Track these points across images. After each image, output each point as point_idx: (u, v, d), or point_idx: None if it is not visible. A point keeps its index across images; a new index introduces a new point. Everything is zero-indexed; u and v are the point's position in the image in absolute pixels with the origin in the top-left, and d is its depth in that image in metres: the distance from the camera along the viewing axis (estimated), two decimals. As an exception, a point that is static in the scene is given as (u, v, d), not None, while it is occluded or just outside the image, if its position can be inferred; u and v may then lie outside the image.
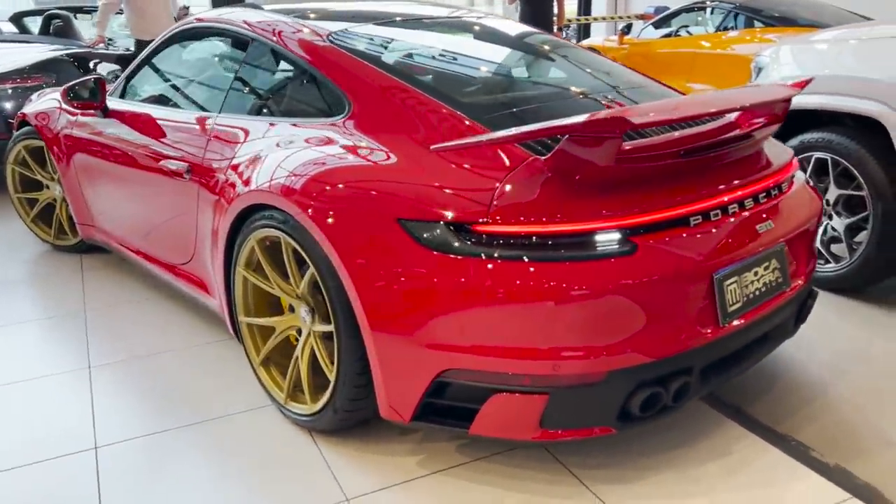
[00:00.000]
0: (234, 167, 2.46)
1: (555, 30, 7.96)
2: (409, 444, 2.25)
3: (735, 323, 1.99)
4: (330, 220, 2.01)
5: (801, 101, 3.22)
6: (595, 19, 12.48)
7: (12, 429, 2.43)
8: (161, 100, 3.32)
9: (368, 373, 2.04)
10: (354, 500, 2.03)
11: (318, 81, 2.46)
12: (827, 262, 3.27)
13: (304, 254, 2.11)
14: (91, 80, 3.28)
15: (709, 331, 1.94)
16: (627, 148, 1.85)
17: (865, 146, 3.02)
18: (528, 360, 1.83)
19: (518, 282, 1.79)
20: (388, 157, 2.08)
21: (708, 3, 7.86)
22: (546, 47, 3.01)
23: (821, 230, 3.28)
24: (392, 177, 2.02)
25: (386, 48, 2.72)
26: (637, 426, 2.02)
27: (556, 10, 8.06)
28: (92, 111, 3.36)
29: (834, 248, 3.28)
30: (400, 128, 2.15)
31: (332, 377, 2.15)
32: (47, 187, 4.01)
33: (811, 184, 2.47)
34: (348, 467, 2.16)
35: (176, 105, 3.25)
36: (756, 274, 2.06)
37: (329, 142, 2.23)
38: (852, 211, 3.17)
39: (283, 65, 2.70)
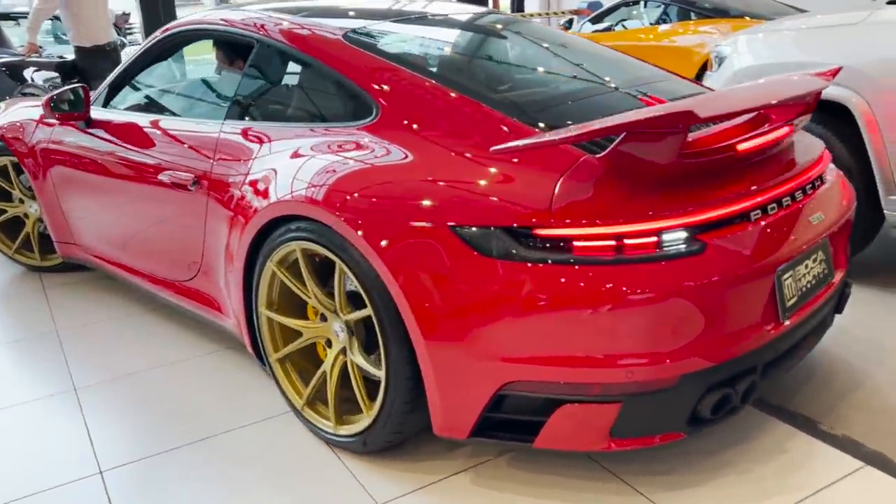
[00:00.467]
0: (252, 177, 2.33)
1: None
2: (434, 445, 2.22)
3: (793, 317, 1.96)
4: (372, 230, 1.90)
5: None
6: (531, 15, 12.63)
7: (7, 458, 2.30)
8: (154, 108, 3.18)
9: (418, 390, 1.94)
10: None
11: (338, 83, 2.34)
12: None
13: (345, 268, 1.99)
14: (76, 88, 3.05)
15: (771, 328, 1.90)
16: (690, 142, 1.79)
17: (833, 131, 3.16)
18: (600, 368, 1.75)
19: (586, 286, 1.71)
20: (429, 161, 1.98)
21: (643, -4, 8.09)
22: (567, 42, 2.92)
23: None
24: (437, 181, 1.92)
25: (405, 46, 2.63)
26: (705, 429, 2.00)
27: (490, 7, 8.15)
28: (74, 122, 3.13)
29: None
30: (437, 130, 2.05)
31: (381, 393, 2.02)
32: (21, 202, 3.73)
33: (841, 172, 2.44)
34: (372, 473, 2.12)
35: (173, 113, 3.10)
36: (807, 267, 2.02)
37: (359, 147, 2.12)
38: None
39: (297, 67, 2.56)
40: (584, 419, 1.82)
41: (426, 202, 1.88)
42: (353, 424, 2.16)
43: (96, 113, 3.13)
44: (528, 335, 1.77)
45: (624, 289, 1.70)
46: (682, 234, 1.75)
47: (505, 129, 1.97)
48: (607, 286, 1.70)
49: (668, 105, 1.89)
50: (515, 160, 1.87)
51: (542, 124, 1.99)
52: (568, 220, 1.74)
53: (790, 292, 1.94)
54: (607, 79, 2.52)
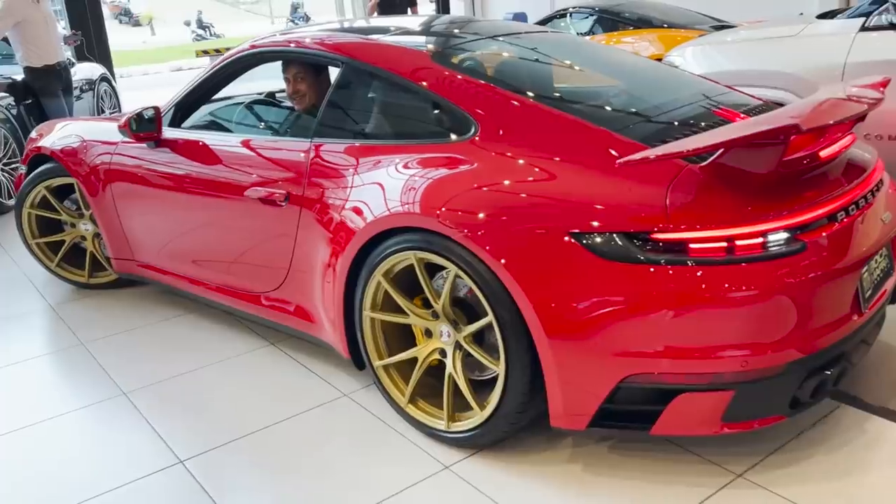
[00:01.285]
0: (353, 192, 2.47)
1: None
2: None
3: (871, 307, 2.17)
4: (495, 239, 2.06)
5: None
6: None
7: (83, 457, 2.46)
8: (232, 127, 3.32)
9: (536, 383, 2.10)
10: (454, 467, 2.28)
11: (434, 102, 2.49)
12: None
13: (465, 277, 2.13)
14: (149, 108, 3.15)
15: (856, 317, 2.10)
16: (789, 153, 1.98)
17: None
18: (714, 359, 1.93)
19: (702, 285, 1.88)
20: (540, 173, 2.15)
21: (570, 9, 8.60)
22: (623, 59, 3.17)
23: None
24: (552, 192, 2.10)
25: (492, 65, 2.81)
26: (803, 411, 2.18)
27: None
28: (143, 141, 3.22)
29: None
30: (541, 144, 2.23)
31: (498, 390, 2.17)
32: (72, 226, 3.80)
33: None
34: (433, 442, 2.39)
35: (257, 131, 3.25)
36: (876, 262, 2.21)
37: (462, 161, 2.28)
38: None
39: (386, 87, 2.69)
40: (700, 406, 2.00)
41: (546, 212, 2.06)
42: (466, 421, 2.30)
43: (168, 132, 3.23)
44: (648, 331, 1.94)
45: (735, 286, 1.89)
46: (785, 235, 1.94)
47: (612, 143, 2.15)
48: (721, 284, 1.89)
49: (772, 118, 2.08)
50: (626, 171, 2.05)
51: (639, 137, 2.18)
52: (683, 225, 1.93)
53: (867, 284, 2.15)
54: (681, 94, 2.70)
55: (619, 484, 2.15)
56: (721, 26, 7.15)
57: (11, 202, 5.58)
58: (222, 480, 2.28)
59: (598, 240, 1.98)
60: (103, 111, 7.63)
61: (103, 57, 9.19)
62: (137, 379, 2.92)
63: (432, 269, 2.32)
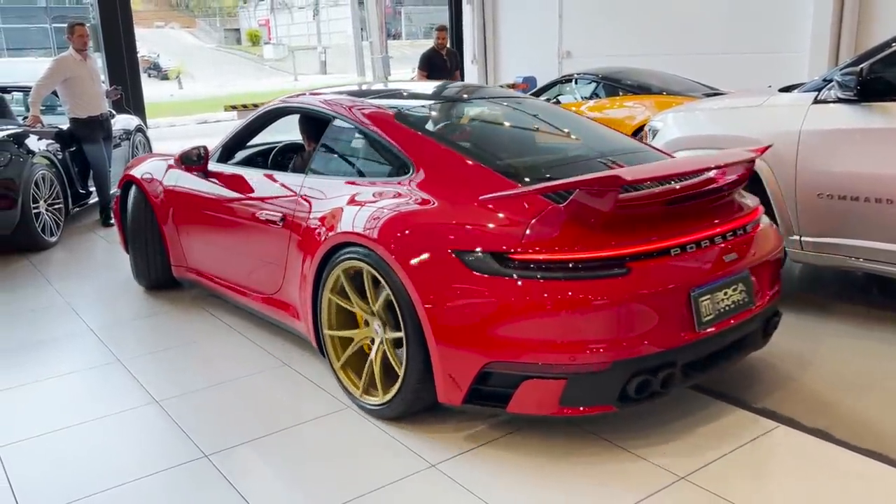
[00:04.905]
0: (321, 217, 3.20)
1: None
2: (473, 422, 2.91)
3: (709, 330, 2.66)
4: (403, 253, 2.72)
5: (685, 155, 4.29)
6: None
7: (108, 455, 2.84)
8: (257, 163, 4.27)
9: (429, 369, 2.69)
10: (440, 465, 2.66)
11: (387, 149, 3.23)
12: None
13: (381, 279, 2.80)
14: (199, 147, 4.14)
15: (687, 334, 2.61)
16: (623, 198, 2.56)
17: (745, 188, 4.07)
18: (552, 353, 2.50)
19: (546, 295, 2.48)
20: (444, 206, 2.83)
21: (576, 75, 9.19)
22: (563, 119, 3.85)
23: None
24: (446, 220, 2.78)
25: (437, 122, 3.60)
26: (633, 406, 2.66)
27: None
28: (197, 172, 4.16)
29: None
30: (452, 185, 2.92)
31: (401, 373, 2.80)
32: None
33: (774, 225, 3.23)
34: (422, 444, 2.78)
35: (272, 168, 4.13)
36: (726, 294, 2.73)
37: (398, 195, 2.97)
38: (737, 235, 4.21)
39: (358, 136, 3.48)
40: (541, 390, 2.56)
41: (439, 234, 2.72)
42: (373, 398, 2.97)
43: (213, 166, 4.15)
44: (504, 329, 2.53)
45: (568, 298, 2.46)
46: (615, 261, 2.52)
47: (498, 185, 2.81)
48: (562, 295, 2.46)
49: (604, 171, 2.75)
50: (504, 206, 2.69)
51: (527, 180, 2.85)
52: (536, 248, 2.54)
53: (706, 310, 2.66)
54: (587, 149, 3.45)
55: (576, 479, 2.54)
56: (713, 94, 7.67)
57: (54, 239, 6.09)
58: (251, 474, 2.67)
59: (471, 256, 2.59)
60: (137, 159, 8.22)
61: (138, 109, 9.87)
62: (170, 390, 3.34)
63: None
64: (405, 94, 4.02)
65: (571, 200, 2.58)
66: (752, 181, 4.02)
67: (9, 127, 6.21)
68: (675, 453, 2.67)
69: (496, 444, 2.77)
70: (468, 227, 2.69)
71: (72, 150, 6.61)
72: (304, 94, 4.00)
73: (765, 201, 3.99)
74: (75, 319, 4.33)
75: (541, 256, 2.52)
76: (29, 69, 12.45)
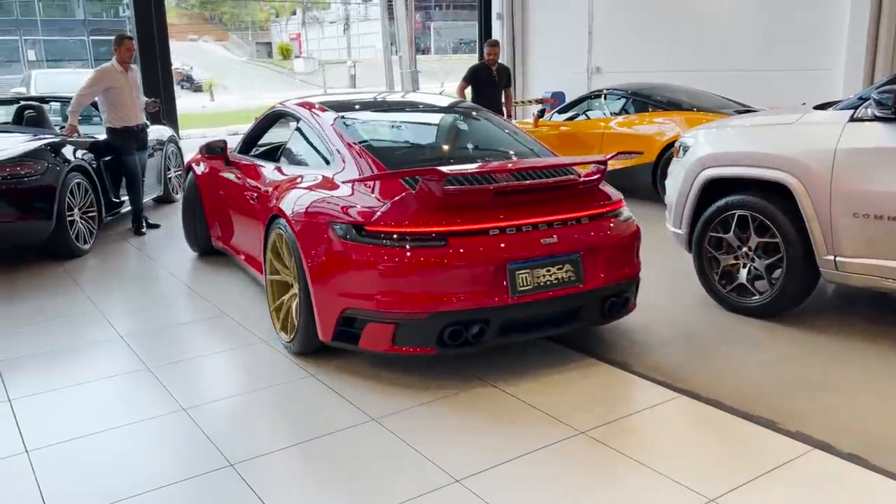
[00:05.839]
0: (269, 195, 4.10)
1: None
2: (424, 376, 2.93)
3: (524, 298, 3.26)
4: (296, 220, 3.61)
5: (724, 172, 4.25)
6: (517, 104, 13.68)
7: (134, 462, 2.86)
8: (267, 156, 5.08)
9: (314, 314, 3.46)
10: (382, 420, 2.68)
11: (323, 146, 4.09)
12: (753, 294, 4.22)
13: (290, 244, 3.63)
14: (220, 141, 5.34)
15: (500, 299, 3.24)
16: (448, 188, 3.23)
17: (776, 205, 4.02)
18: (382, 301, 3.23)
19: (385, 258, 3.22)
20: (339, 190, 3.61)
21: (605, 91, 9.14)
22: (477, 124, 4.66)
23: (745, 270, 4.25)
24: (333, 198, 3.56)
25: (367, 126, 4.34)
26: (451, 351, 3.30)
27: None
28: (217, 161, 5.36)
29: (758, 283, 4.23)
30: (351, 173, 3.70)
31: (297, 319, 3.62)
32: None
33: (632, 218, 3.80)
34: (370, 401, 3.08)
35: (263, 158, 4.99)
36: (549, 271, 3.35)
37: (320, 179, 3.82)
38: (769, 254, 4.15)
39: (309, 135, 4.35)
40: (378, 332, 3.29)
41: (325, 209, 3.51)
42: (287, 335, 3.81)
43: (232, 157, 5.26)
44: (356, 283, 3.30)
45: (399, 260, 3.19)
46: (437, 236, 3.21)
47: (377, 172, 3.62)
48: (394, 259, 3.20)
49: (429, 167, 3.39)
50: (376, 191, 3.45)
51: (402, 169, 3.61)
52: (383, 222, 3.26)
53: (523, 282, 3.28)
54: (481, 149, 4.41)
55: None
56: (744, 110, 7.59)
57: (87, 247, 6.19)
58: (276, 482, 2.68)
59: (339, 227, 3.38)
60: (169, 169, 8.34)
61: (170, 119, 10.03)
62: (198, 398, 3.36)
63: None
64: (367, 103, 4.92)
65: (419, 187, 3.29)
66: (786, 199, 3.97)
67: (46, 136, 6.33)
68: (696, 472, 2.62)
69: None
70: (345, 204, 3.45)
71: (106, 159, 6.72)
72: (289, 100, 4.88)
73: (798, 220, 3.94)
74: (106, 326, 4.38)
75: (384, 229, 3.25)
76: (70, 81, 12.73)
